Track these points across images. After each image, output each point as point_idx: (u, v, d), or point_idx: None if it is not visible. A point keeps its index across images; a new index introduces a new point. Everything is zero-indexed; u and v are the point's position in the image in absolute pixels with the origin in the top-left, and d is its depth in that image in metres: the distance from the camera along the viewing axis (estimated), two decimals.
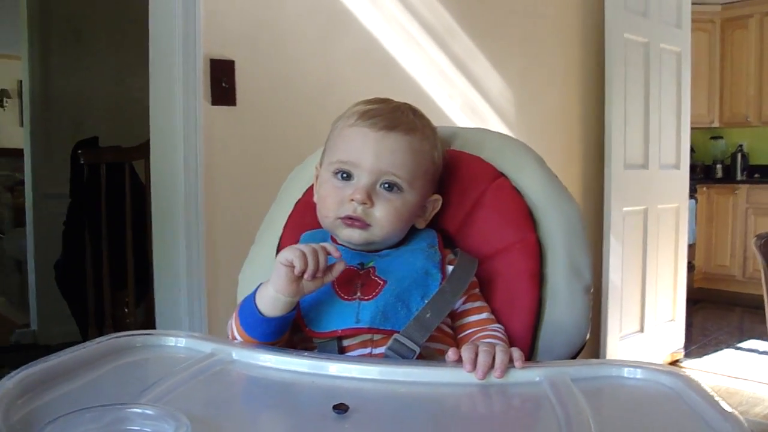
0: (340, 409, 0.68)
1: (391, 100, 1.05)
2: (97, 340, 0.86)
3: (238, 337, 0.93)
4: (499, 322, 1.00)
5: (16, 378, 0.70)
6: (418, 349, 0.89)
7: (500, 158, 1.12)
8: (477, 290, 1.02)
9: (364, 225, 0.95)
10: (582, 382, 0.79)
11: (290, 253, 0.88)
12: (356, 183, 0.96)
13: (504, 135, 1.20)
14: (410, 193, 0.98)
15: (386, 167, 0.96)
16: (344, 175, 0.97)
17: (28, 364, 0.74)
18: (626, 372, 0.83)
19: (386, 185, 0.97)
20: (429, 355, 0.92)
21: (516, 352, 0.82)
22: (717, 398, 0.72)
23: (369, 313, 0.92)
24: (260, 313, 0.90)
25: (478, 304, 1.01)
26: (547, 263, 1.05)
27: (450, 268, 0.99)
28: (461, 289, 0.97)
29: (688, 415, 0.72)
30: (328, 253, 0.90)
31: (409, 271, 0.96)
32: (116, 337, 0.88)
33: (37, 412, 0.67)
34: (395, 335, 0.90)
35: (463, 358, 0.81)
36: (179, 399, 0.72)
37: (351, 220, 0.95)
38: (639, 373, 0.82)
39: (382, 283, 0.94)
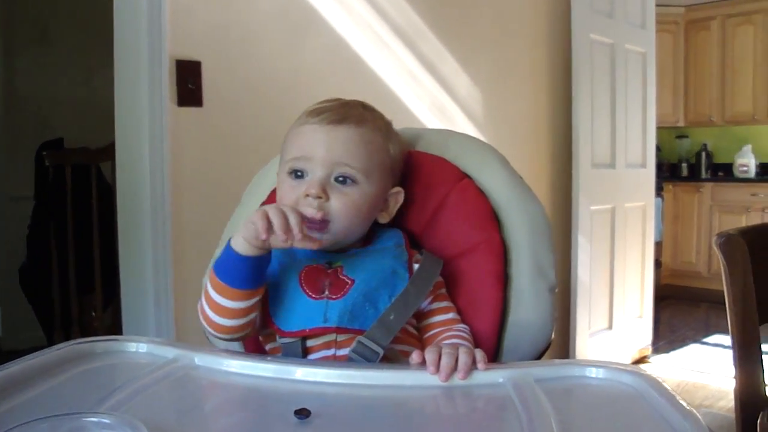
0: (302, 414, 0.68)
1: (342, 99, 1.04)
2: (57, 346, 0.85)
3: (213, 294, 0.89)
4: (464, 323, 1.00)
5: None
6: (382, 352, 0.88)
7: (464, 159, 1.12)
8: (443, 290, 1.02)
9: (322, 227, 0.93)
10: (545, 382, 0.80)
11: (268, 211, 0.86)
12: (310, 179, 0.95)
13: (468, 136, 1.21)
14: (366, 184, 0.96)
15: (338, 159, 0.95)
16: (298, 173, 0.96)
17: None
18: (589, 372, 0.83)
19: (340, 178, 0.95)
20: (393, 357, 0.92)
21: (479, 354, 0.82)
22: (677, 397, 0.73)
23: (337, 312, 0.91)
24: (235, 252, 0.87)
25: (444, 304, 1.01)
26: (511, 263, 1.06)
27: (417, 267, 0.99)
28: (425, 290, 0.97)
29: (649, 415, 0.73)
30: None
31: (376, 271, 0.96)
32: (77, 343, 0.87)
33: None
34: (359, 337, 0.89)
35: (427, 360, 0.81)
36: (140, 406, 0.71)
37: (310, 224, 0.92)
38: (602, 373, 0.83)
39: (350, 282, 0.94)
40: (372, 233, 1.03)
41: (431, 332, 0.98)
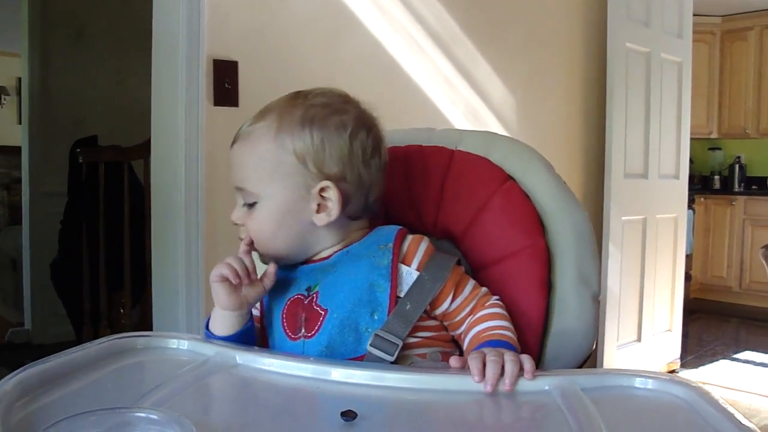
0: (349, 416, 0.66)
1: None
2: (98, 340, 0.84)
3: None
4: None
5: (15, 379, 0.68)
6: (400, 343, 0.86)
7: (508, 162, 1.10)
8: (461, 274, 0.97)
9: (250, 242, 0.94)
10: (592, 391, 0.78)
11: (218, 269, 0.90)
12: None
13: (512, 139, 1.18)
14: (267, 199, 0.92)
15: (235, 182, 0.95)
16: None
17: (27, 365, 0.72)
18: (637, 382, 0.81)
19: (246, 205, 0.94)
20: (411, 363, 0.89)
21: (527, 363, 0.80)
22: (732, 410, 0.71)
23: (314, 352, 0.89)
24: (213, 335, 0.91)
25: (468, 288, 0.95)
26: (555, 270, 1.04)
27: (404, 267, 0.92)
28: (442, 276, 0.92)
29: (702, 428, 0.71)
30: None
31: (351, 290, 0.90)
32: (117, 338, 0.86)
33: (37, 414, 0.65)
34: (377, 330, 0.87)
35: (471, 369, 0.78)
36: (182, 403, 0.70)
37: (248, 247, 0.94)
38: (650, 384, 0.80)
39: (323, 313, 0.90)
40: (360, 232, 0.97)
41: (467, 321, 0.94)
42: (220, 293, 0.90)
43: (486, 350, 0.83)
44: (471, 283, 0.97)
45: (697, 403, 0.75)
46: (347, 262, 0.94)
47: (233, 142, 0.96)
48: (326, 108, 0.95)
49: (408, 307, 0.89)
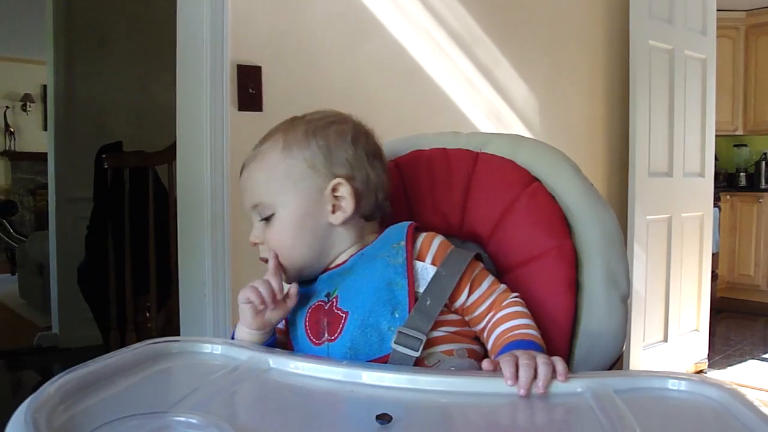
0: (384, 419, 0.67)
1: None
2: (134, 346, 0.86)
3: None
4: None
5: (58, 383, 0.70)
6: (424, 338, 0.87)
7: (534, 164, 1.10)
8: (479, 269, 0.97)
9: (276, 261, 0.96)
10: (625, 393, 0.78)
11: (245, 292, 0.93)
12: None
13: (538, 141, 1.18)
14: (283, 208, 0.96)
15: (250, 203, 0.98)
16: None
17: (67, 370, 0.74)
18: (671, 384, 0.81)
19: (263, 219, 0.98)
20: (437, 362, 0.90)
21: (560, 365, 0.80)
22: (767, 412, 0.70)
23: (338, 354, 0.90)
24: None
25: (486, 283, 0.96)
26: (583, 271, 1.04)
27: (419, 263, 0.94)
28: (459, 270, 0.93)
29: (737, 429, 0.70)
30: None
31: (370, 291, 0.92)
32: (152, 343, 0.88)
33: (79, 418, 0.66)
34: (399, 328, 0.88)
35: (504, 372, 0.78)
36: (219, 407, 0.71)
37: (265, 262, 0.97)
38: (684, 385, 0.80)
39: (343, 315, 0.92)
40: (373, 232, 1.01)
41: (486, 318, 0.94)
42: (246, 314, 0.93)
43: (518, 353, 0.83)
44: (489, 278, 0.97)
45: (730, 404, 0.74)
46: (363, 264, 0.96)
47: (242, 171, 1.01)
48: (325, 120, 1.01)
49: (428, 302, 0.90)
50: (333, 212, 0.96)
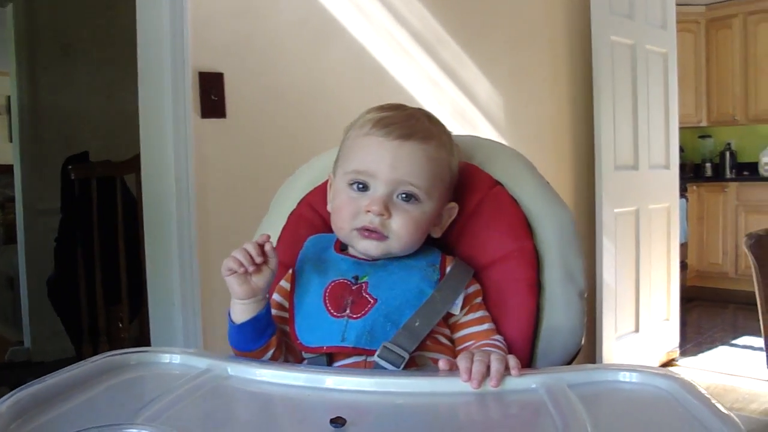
0: (338, 422, 0.68)
1: (405, 106, 1.04)
2: (92, 359, 0.86)
3: (231, 346, 0.96)
4: (498, 332, 0.99)
5: (10, 401, 0.69)
6: (407, 356, 0.89)
7: (492, 166, 1.12)
8: (479, 300, 1.01)
9: (381, 237, 0.95)
10: (579, 387, 0.80)
11: (225, 263, 0.92)
12: (372, 194, 0.95)
13: (494, 141, 1.20)
14: (428, 203, 0.97)
15: (403, 177, 0.95)
16: (360, 185, 0.97)
17: (21, 386, 0.73)
18: (622, 376, 0.83)
19: (404, 195, 0.96)
20: (424, 365, 0.92)
21: (512, 360, 0.82)
22: (713, 400, 0.73)
23: (355, 332, 0.91)
24: (233, 322, 0.93)
25: (479, 314, 1.00)
26: (543, 270, 1.05)
27: (447, 271, 0.98)
28: (452, 297, 0.96)
29: (684, 418, 0.72)
30: (259, 245, 0.93)
31: (402, 290, 0.95)
32: (111, 355, 0.88)
33: None
34: (384, 343, 0.90)
35: (459, 368, 0.81)
36: (176, 417, 0.71)
37: (368, 232, 0.95)
38: (635, 377, 0.82)
39: (372, 301, 0.94)
40: None
41: (465, 344, 0.97)
42: (232, 285, 0.92)
43: (474, 350, 0.86)
44: (482, 311, 1.00)
45: (679, 394, 0.77)
46: (401, 266, 0.98)
47: (403, 138, 0.96)
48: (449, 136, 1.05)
49: (417, 323, 0.92)
50: (434, 226, 1.01)
